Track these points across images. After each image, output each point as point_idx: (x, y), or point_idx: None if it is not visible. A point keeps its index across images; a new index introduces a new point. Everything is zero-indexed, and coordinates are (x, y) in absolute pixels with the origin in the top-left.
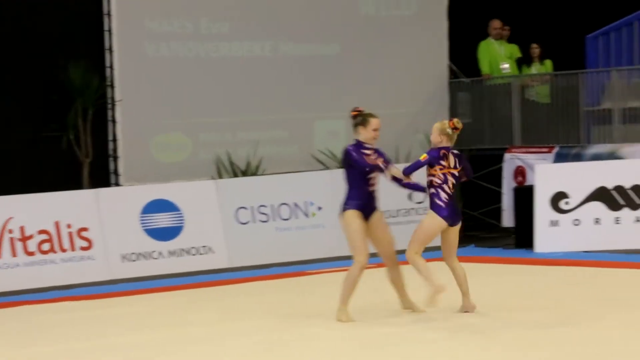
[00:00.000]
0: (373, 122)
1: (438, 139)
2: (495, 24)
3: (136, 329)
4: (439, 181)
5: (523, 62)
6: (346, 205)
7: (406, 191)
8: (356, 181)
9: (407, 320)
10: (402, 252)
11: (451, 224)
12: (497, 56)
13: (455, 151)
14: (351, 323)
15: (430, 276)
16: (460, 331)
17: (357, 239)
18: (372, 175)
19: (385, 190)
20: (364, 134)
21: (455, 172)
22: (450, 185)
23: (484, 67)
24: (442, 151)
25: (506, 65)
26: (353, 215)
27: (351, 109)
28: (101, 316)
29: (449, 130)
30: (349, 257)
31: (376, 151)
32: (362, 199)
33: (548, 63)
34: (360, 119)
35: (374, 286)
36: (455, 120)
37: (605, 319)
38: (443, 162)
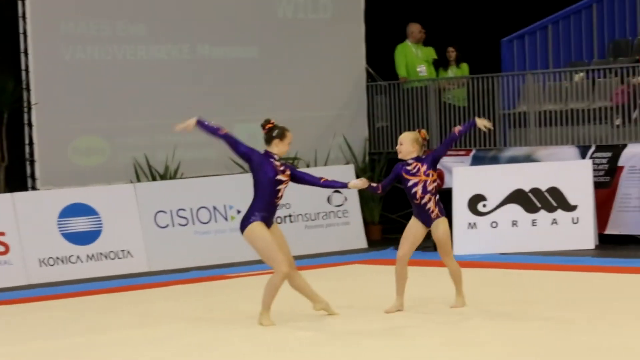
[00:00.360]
0: (289, 136)
1: (410, 149)
2: (416, 27)
3: (55, 335)
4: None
5: (439, 65)
6: (253, 217)
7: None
8: (263, 191)
9: (328, 323)
10: (311, 256)
11: None
12: (414, 59)
13: None
14: (273, 327)
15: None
16: (385, 332)
17: (274, 249)
18: (281, 186)
19: (304, 194)
20: (280, 147)
21: None
22: None
23: (401, 71)
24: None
25: (423, 68)
26: (261, 226)
27: (262, 122)
28: (19, 322)
29: (421, 140)
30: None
31: (284, 164)
32: (267, 211)
33: (464, 66)
34: (278, 132)
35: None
36: (424, 131)
37: (528, 319)
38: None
